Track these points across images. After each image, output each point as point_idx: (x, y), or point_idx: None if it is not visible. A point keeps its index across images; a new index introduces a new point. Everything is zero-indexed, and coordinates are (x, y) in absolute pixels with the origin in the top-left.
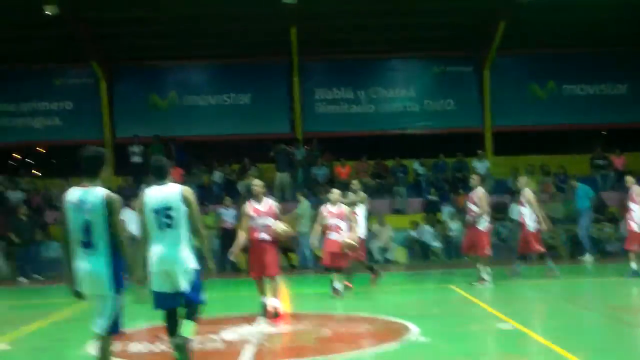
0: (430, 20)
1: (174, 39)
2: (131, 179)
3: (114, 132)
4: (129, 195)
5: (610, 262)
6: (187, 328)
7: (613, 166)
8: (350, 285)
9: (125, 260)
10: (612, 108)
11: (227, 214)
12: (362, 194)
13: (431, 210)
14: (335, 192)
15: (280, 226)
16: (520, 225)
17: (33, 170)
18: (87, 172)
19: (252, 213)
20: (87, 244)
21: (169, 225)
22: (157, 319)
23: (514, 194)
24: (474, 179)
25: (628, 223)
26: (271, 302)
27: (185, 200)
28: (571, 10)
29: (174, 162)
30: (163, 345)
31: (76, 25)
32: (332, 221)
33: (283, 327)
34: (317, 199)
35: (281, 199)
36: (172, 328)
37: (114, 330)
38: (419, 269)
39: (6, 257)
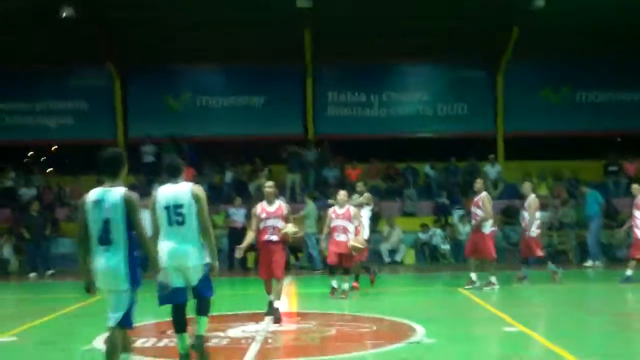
0: (444, 25)
1: (189, 41)
2: (143, 179)
3: (126, 132)
4: (141, 194)
5: (619, 268)
6: (201, 325)
7: (626, 173)
8: (357, 285)
9: (148, 254)
10: (627, 114)
11: (237, 214)
12: (367, 195)
13: (441, 213)
14: (342, 194)
15: (289, 228)
16: (523, 229)
17: (46, 168)
18: (107, 172)
19: (261, 214)
20: (106, 242)
21: (179, 222)
22: (163, 315)
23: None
24: (478, 183)
25: (634, 231)
26: (276, 303)
27: (196, 198)
28: (586, 15)
29: (186, 162)
30: (168, 340)
31: (92, 26)
32: (338, 222)
33: (289, 326)
34: (327, 201)
35: (291, 200)
36: (179, 323)
37: (126, 323)
38: (428, 272)
39: (16, 252)
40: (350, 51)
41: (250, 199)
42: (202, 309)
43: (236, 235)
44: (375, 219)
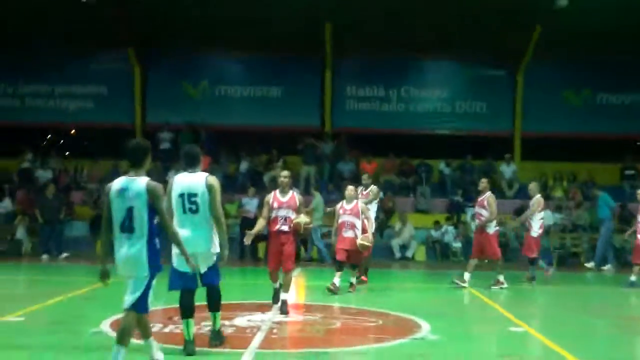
0: (466, 22)
1: (209, 28)
2: (160, 165)
3: (144, 117)
4: (157, 181)
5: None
6: (216, 321)
7: None
8: (366, 279)
9: (174, 242)
10: None
11: (250, 204)
12: (374, 189)
13: (455, 211)
14: (350, 189)
15: (301, 218)
16: (526, 229)
17: (64, 151)
18: (131, 161)
19: (274, 203)
20: (128, 229)
21: (192, 210)
22: (171, 301)
23: None
24: (483, 183)
25: (637, 236)
26: (283, 295)
27: (209, 188)
28: (609, 16)
29: (203, 151)
30: (174, 326)
31: (114, 10)
32: (346, 218)
33: (295, 317)
34: (341, 194)
35: (305, 192)
36: (187, 308)
37: (140, 307)
38: (438, 269)
39: (29, 234)
40: (370, 45)
41: (264, 190)
42: (213, 302)
43: (248, 224)
44: (388, 214)
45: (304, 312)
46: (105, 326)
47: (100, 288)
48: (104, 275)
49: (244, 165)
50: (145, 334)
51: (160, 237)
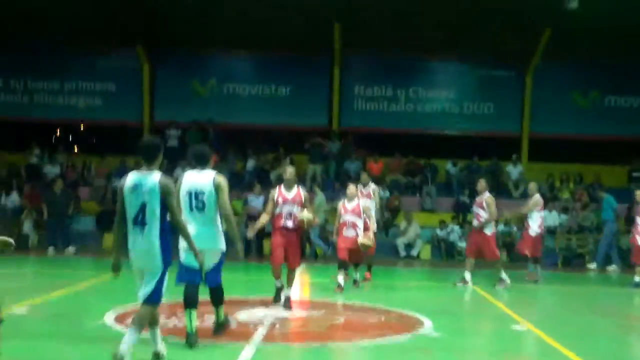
0: (475, 23)
1: (218, 27)
2: (166, 163)
3: (152, 115)
4: None
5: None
6: (219, 314)
7: None
8: (370, 276)
9: (184, 237)
10: None
11: (256, 201)
12: (373, 187)
13: (460, 211)
14: (351, 188)
15: (305, 214)
16: (525, 228)
17: (71, 147)
18: (144, 158)
19: (279, 199)
20: (141, 224)
21: (199, 208)
22: (175, 296)
23: (547, 201)
24: (481, 184)
25: (634, 237)
26: (287, 292)
27: (217, 187)
28: (619, 18)
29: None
30: (178, 321)
31: (123, 8)
32: (348, 218)
33: (298, 313)
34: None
35: (311, 191)
36: (190, 299)
37: (154, 299)
38: (442, 267)
39: (36, 228)
40: (378, 45)
41: (270, 188)
42: (217, 299)
43: (254, 222)
44: (394, 213)
45: (307, 307)
46: (109, 319)
47: (105, 281)
48: (116, 268)
49: (250, 164)
50: (153, 321)
51: (170, 233)
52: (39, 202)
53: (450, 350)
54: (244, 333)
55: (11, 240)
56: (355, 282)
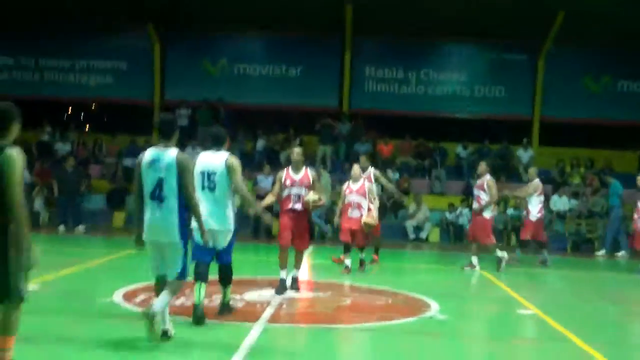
0: (487, 5)
1: (230, 6)
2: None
3: (163, 94)
4: None
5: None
6: (226, 294)
7: None
8: (377, 258)
9: (194, 215)
10: None
11: (265, 182)
12: (372, 171)
13: (470, 194)
14: (356, 168)
15: (310, 196)
16: (526, 213)
17: (83, 125)
18: (162, 135)
19: (286, 181)
20: (159, 198)
21: (210, 188)
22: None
23: (558, 185)
24: (482, 166)
25: (636, 223)
26: (295, 273)
27: (229, 168)
28: (634, 3)
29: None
30: (185, 299)
31: None
32: (353, 198)
33: (305, 294)
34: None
35: (317, 171)
36: (201, 274)
37: (184, 274)
38: (451, 250)
39: (47, 205)
40: (390, 26)
41: (280, 169)
42: (226, 278)
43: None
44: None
45: (315, 289)
46: (118, 297)
47: (115, 259)
48: (139, 241)
49: (260, 144)
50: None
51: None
52: (50, 180)
53: (456, 333)
54: (252, 313)
55: None
56: (361, 263)
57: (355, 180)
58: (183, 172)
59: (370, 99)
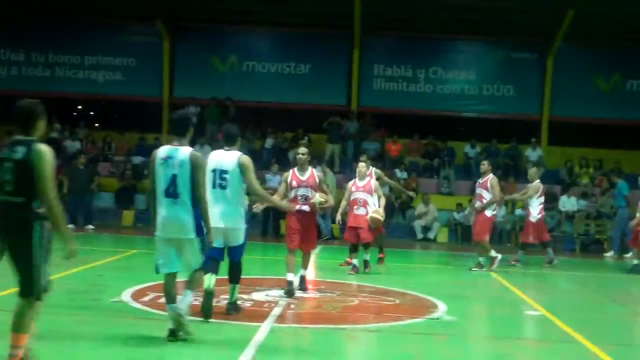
0: (497, 4)
1: (239, 3)
2: None
3: (172, 91)
4: None
5: None
6: (233, 292)
7: None
8: (383, 255)
9: (202, 214)
10: None
11: (273, 180)
12: (377, 171)
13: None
14: (362, 165)
15: (317, 198)
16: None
17: (92, 122)
18: (176, 132)
19: (292, 182)
20: (173, 195)
21: (222, 186)
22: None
23: (566, 185)
24: (484, 165)
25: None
26: (303, 272)
27: (242, 167)
28: None
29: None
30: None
31: None
32: (359, 195)
33: (312, 294)
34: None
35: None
36: (211, 267)
37: (201, 264)
38: (459, 251)
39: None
40: (399, 24)
41: (288, 167)
42: (234, 276)
43: None
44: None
45: (322, 289)
46: (126, 296)
47: (124, 258)
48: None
49: (269, 142)
50: (170, 299)
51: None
52: (59, 177)
53: (463, 334)
54: (259, 313)
55: None
56: (366, 264)
57: (362, 177)
58: (195, 169)
59: (378, 97)
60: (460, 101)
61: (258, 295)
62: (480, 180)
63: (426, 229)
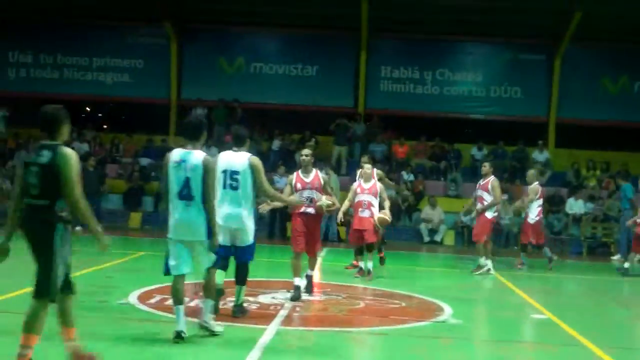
0: (505, 5)
1: (246, 5)
2: None
3: (180, 93)
4: None
5: None
6: (240, 294)
7: None
8: (384, 255)
9: (209, 216)
10: None
11: (280, 182)
12: (379, 172)
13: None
14: (367, 167)
15: (323, 201)
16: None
17: (100, 124)
18: (189, 136)
19: (297, 184)
20: (187, 197)
21: (233, 187)
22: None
23: (573, 188)
24: (486, 167)
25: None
26: (309, 273)
27: (252, 168)
28: None
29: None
30: (200, 301)
31: None
32: (364, 197)
33: (318, 297)
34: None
35: (337, 172)
36: (221, 265)
37: (215, 263)
38: (466, 254)
39: None
40: (406, 26)
41: (295, 169)
42: (242, 277)
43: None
44: (418, 197)
45: (328, 291)
46: (133, 298)
47: (131, 261)
48: None
49: (276, 144)
50: (178, 301)
51: None
52: None
53: (469, 337)
54: (265, 316)
55: None
56: (368, 273)
57: (367, 179)
58: (207, 173)
59: (385, 99)
60: (467, 103)
61: (264, 298)
62: (482, 182)
63: (433, 231)
